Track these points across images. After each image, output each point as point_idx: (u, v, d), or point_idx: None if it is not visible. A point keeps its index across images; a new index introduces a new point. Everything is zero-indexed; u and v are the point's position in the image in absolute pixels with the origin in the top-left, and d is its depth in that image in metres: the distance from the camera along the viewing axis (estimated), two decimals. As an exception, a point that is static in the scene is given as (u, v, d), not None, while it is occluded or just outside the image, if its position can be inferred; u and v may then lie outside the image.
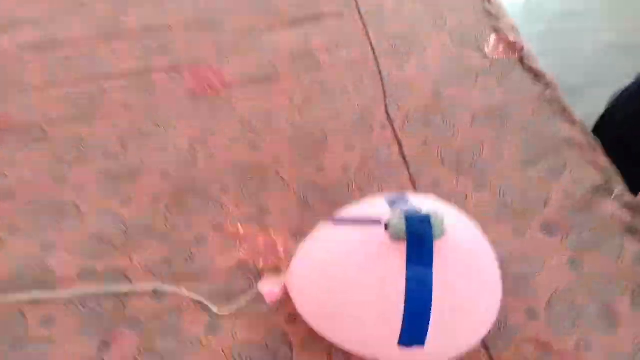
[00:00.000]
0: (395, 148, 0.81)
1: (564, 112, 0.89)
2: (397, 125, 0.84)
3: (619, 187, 0.76)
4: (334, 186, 0.76)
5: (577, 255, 0.70)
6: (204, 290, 0.66)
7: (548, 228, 0.73)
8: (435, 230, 0.52)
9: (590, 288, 0.67)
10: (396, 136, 0.83)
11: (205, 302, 0.64)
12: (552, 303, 0.65)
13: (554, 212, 0.74)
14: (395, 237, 0.52)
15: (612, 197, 0.76)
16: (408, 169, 0.78)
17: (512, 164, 0.79)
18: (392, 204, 0.60)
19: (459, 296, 0.54)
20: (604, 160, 0.81)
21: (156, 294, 0.66)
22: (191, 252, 0.70)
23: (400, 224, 0.53)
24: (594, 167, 0.80)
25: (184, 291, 0.65)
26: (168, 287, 0.66)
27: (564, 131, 0.84)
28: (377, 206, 0.63)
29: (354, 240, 0.56)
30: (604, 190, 0.77)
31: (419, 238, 0.52)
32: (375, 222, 0.56)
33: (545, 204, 0.75)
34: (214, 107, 0.86)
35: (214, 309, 0.64)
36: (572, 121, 0.88)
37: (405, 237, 0.52)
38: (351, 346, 0.59)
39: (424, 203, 0.60)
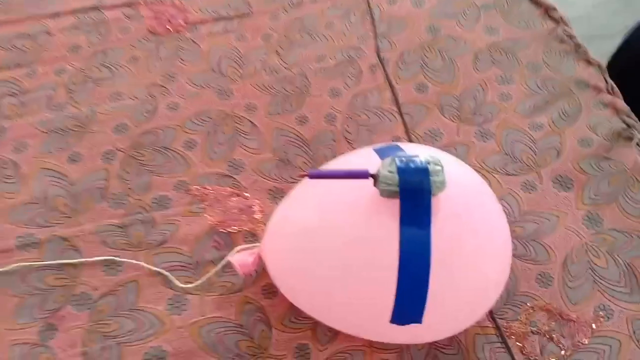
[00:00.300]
0: (388, 94, 0.75)
1: (578, 50, 0.80)
2: (389, 67, 0.77)
3: (642, 132, 0.71)
4: (318, 139, 0.70)
5: (595, 210, 0.65)
6: (166, 261, 0.60)
7: (561, 181, 0.67)
8: (434, 183, 0.45)
9: (610, 247, 0.62)
10: (388, 80, 0.76)
11: (168, 275, 0.58)
12: (567, 265, 0.61)
13: (567, 163, 0.69)
14: (386, 193, 0.45)
15: (634, 143, 0.70)
16: (402, 117, 0.72)
17: (520, 109, 0.74)
18: (382, 154, 0.52)
19: (462, 262, 0.48)
20: (622, 103, 0.74)
21: (110, 266, 0.60)
22: (151, 218, 0.63)
23: (391, 177, 0.45)
24: (612, 110, 0.74)
25: (142, 263, 0.59)
26: (124, 259, 0.60)
27: (578, 72, 0.77)
28: (364, 158, 0.55)
29: (337, 199, 0.50)
30: (624, 136, 0.71)
31: (414, 193, 0.45)
32: (362, 174, 0.47)
33: (558, 153, 0.70)
34: (177, 49, 0.79)
35: (178, 283, 0.58)
36: (587, 60, 0.79)
37: (398, 192, 0.45)
38: (337, 323, 0.54)
39: (420, 152, 0.50)
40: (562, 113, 0.73)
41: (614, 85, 0.76)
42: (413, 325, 0.48)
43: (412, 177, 0.45)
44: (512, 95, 0.75)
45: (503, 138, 0.71)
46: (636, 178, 0.68)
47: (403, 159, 0.47)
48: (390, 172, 0.46)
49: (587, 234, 0.63)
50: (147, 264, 0.60)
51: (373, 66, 0.78)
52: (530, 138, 0.71)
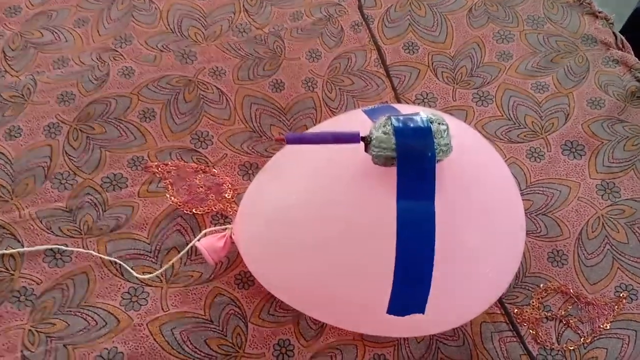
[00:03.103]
0: (373, 55, 0.69)
1: (583, 3, 0.75)
2: (374, 25, 0.72)
3: (658, 91, 0.67)
4: (296, 107, 0.65)
5: (610, 177, 0.61)
6: (121, 249, 0.55)
7: (572, 147, 0.63)
8: (439, 147, 0.39)
9: (630, 219, 0.58)
10: (373, 39, 0.71)
11: (123, 265, 0.53)
12: (582, 241, 0.57)
13: (577, 127, 0.64)
14: (380, 159, 0.40)
15: None
16: (391, 81, 0.67)
17: (522, 69, 0.69)
18: (373, 115, 0.45)
19: (472, 242, 0.43)
20: (635, 59, 0.70)
21: (55, 256, 0.54)
22: (103, 200, 0.57)
23: (387, 139, 0.39)
24: (623, 67, 0.69)
25: (93, 252, 0.54)
26: (71, 247, 0.54)
27: (584, 26, 0.73)
28: (352, 120, 0.49)
29: (322, 169, 0.45)
30: (638, 95, 0.67)
31: (414, 158, 0.39)
32: (351, 138, 0.41)
33: (567, 117, 0.65)
34: (131, 8, 0.72)
35: (135, 274, 0.53)
36: (594, 13, 0.74)
37: (395, 158, 0.39)
38: (324, 315, 0.49)
39: (418, 112, 0.42)
40: (569, 72, 0.69)
41: (624, 40, 0.71)
42: (413, 316, 0.42)
43: (412, 139, 0.39)
44: (512, 54, 0.70)
45: (504, 101, 0.67)
46: (655, 141, 0.64)
47: (400, 117, 0.40)
48: (385, 133, 0.40)
49: (603, 205, 0.59)
50: (99, 252, 0.54)
51: (356, 24, 0.72)
52: (534, 100, 0.67)
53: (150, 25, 0.69)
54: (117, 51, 0.67)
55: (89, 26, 0.69)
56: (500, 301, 0.53)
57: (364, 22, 0.71)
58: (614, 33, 0.71)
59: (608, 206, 0.59)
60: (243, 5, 0.72)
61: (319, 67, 0.68)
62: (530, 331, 0.52)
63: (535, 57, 0.69)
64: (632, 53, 0.70)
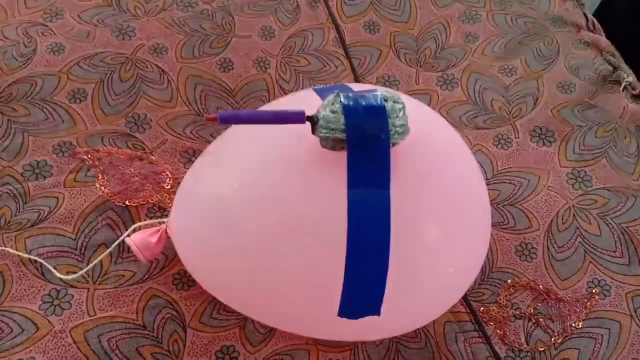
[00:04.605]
0: (331, 34, 0.66)
1: None
2: (333, 1, 0.68)
3: (630, 75, 0.64)
4: (246, 89, 0.60)
5: (581, 166, 0.59)
6: (42, 246, 0.50)
7: (541, 133, 0.60)
8: (394, 127, 0.35)
9: (602, 210, 0.56)
10: (332, 17, 0.67)
11: (44, 263, 0.48)
12: (552, 234, 0.54)
13: (547, 112, 0.62)
14: (328, 142, 0.36)
15: (622, 87, 0.63)
16: (350, 62, 0.64)
17: (489, 51, 0.66)
18: (325, 95, 0.40)
19: (432, 235, 0.40)
20: (606, 41, 0.67)
21: None
22: (23, 190, 0.52)
23: (335, 118, 0.35)
24: (595, 50, 0.67)
25: (9, 249, 0.49)
26: None
27: (554, 6, 0.70)
28: (301, 100, 0.46)
29: (263, 154, 0.40)
30: (610, 80, 0.64)
31: (366, 140, 0.35)
32: (295, 117, 0.36)
33: (536, 101, 0.63)
34: None
35: (58, 273, 0.48)
36: None
37: (345, 140, 0.35)
38: (272, 319, 0.45)
39: (373, 91, 0.38)
40: (538, 54, 0.66)
41: (595, 21, 0.69)
42: (368, 319, 0.38)
43: (364, 118, 0.35)
44: (479, 35, 0.67)
45: (470, 85, 0.63)
46: (627, 127, 0.61)
47: (350, 95, 0.36)
48: (333, 112, 0.36)
49: (574, 195, 0.56)
50: (17, 250, 0.49)
51: (313, 0, 0.68)
52: (502, 84, 0.64)
53: (80, -4, 0.64)
54: (46, 26, 0.60)
55: (15, -3, 0.63)
56: (465, 299, 0.49)
57: (321, -2, 0.67)
58: (584, 14, 0.69)
59: (579, 196, 0.56)
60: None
61: (272, 46, 0.63)
62: (498, 331, 0.48)
63: (503, 39, 0.66)
64: (604, 35, 0.67)
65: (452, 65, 0.64)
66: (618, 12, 0.81)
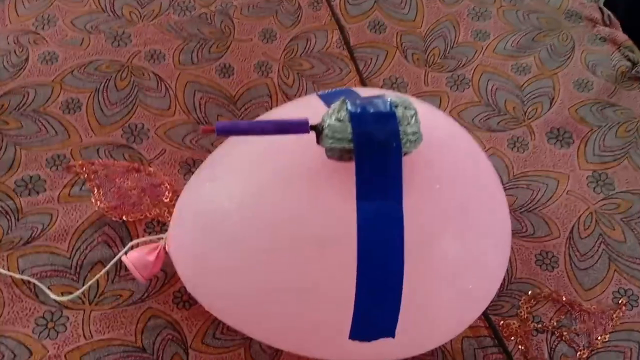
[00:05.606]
0: (336, 35, 0.65)
1: None
2: (336, 1, 0.68)
3: (650, 70, 0.64)
4: (248, 95, 0.60)
5: (602, 169, 0.58)
6: (36, 265, 0.49)
7: (558, 135, 0.59)
8: (405, 136, 0.34)
9: (626, 214, 0.55)
10: (335, 18, 0.66)
11: (38, 284, 0.48)
12: (574, 241, 0.54)
13: (564, 112, 0.61)
14: (334, 152, 0.35)
15: None
16: (355, 64, 0.63)
17: (501, 49, 0.66)
18: (329, 100, 0.40)
19: (449, 251, 0.38)
20: (624, 36, 0.66)
21: None
22: (16, 206, 0.52)
23: (341, 127, 0.34)
24: (612, 45, 0.66)
25: (1, 269, 0.48)
26: None
27: (568, 0, 0.70)
28: (305, 107, 0.44)
29: (266, 164, 0.39)
30: (629, 76, 0.63)
31: (376, 149, 0.34)
32: (299, 127, 0.35)
33: (552, 101, 0.62)
34: None
35: (53, 295, 0.47)
36: None
37: (352, 150, 0.34)
38: (277, 340, 0.43)
39: (382, 96, 0.38)
40: (552, 51, 0.65)
41: (612, 15, 0.68)
42: (382, 341, 0.37)
43: (372, 126, 0.34)
44: (490, 33, 0.67)
45: (482, 85, 0.63)
46: (650, 125, 0.61)
47: (357, 101, 0.36)
48: (339, 120, 0.34)
49: (596, 200, 0.55)
50: (9, 270, 0.49)
51: (315, 0, 0.68)
52: (515, 84, 0.63)
53: (77, 3, 0.64)
54: (38, 34, 0.61)
55: (5, 5, 0.63)
56: (483, 313, 0.48)
57: (324, -2, 0.67)
58: (600, 8, 0.68)
59: (601, 200, 0.54)
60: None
61: (273, 49, 0.63)
62: (519, 346, 0.47)
63: (515, 36, 0.66)
64: (620, 29, 0.66)
65: (462, 65, 0.64)
66: (619, 11, 0.81)
